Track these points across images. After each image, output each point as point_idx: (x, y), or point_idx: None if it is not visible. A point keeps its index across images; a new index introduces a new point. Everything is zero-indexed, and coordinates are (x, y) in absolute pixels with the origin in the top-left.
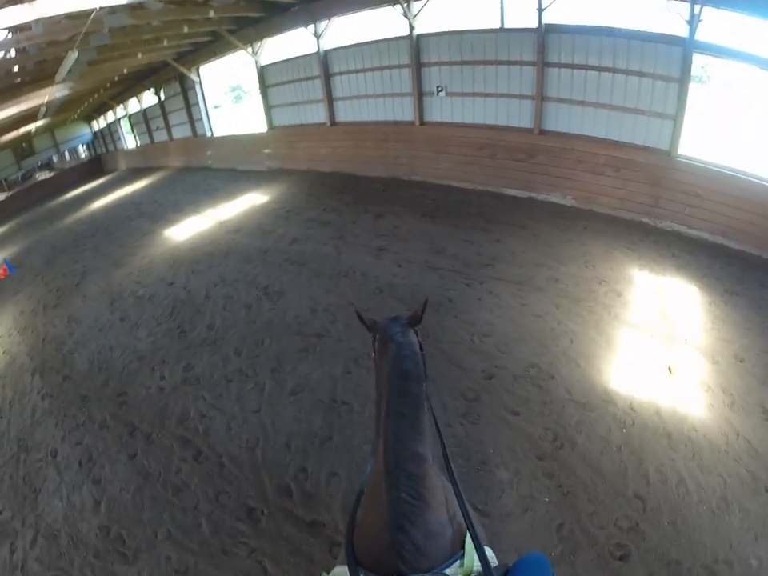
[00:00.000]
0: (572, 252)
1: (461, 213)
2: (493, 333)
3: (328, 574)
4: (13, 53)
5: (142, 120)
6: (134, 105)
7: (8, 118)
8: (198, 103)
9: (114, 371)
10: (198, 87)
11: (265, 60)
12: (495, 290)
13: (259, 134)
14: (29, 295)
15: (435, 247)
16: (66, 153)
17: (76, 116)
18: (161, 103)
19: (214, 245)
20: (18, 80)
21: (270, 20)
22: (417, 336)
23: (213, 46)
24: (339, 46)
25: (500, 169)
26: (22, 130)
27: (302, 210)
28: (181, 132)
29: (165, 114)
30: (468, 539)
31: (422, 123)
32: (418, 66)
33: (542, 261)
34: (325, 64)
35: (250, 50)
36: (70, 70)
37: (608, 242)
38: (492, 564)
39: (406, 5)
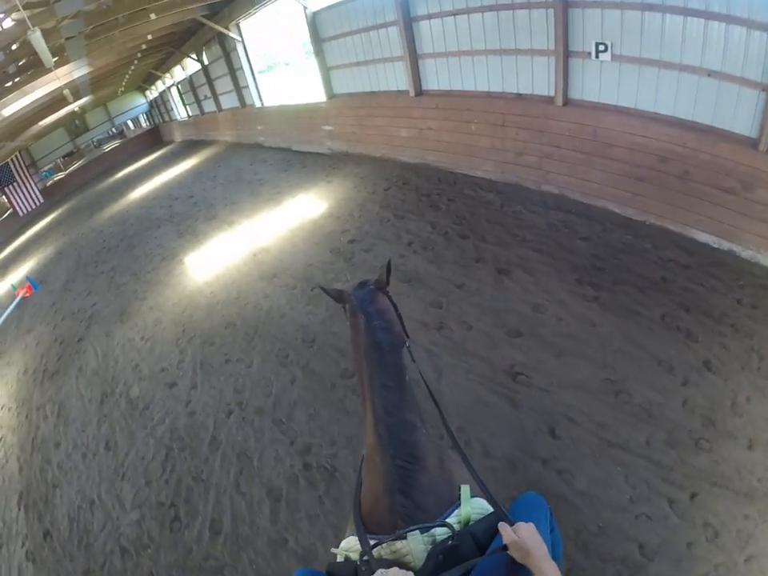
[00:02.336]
0: None
1: (636, 278)
2: None
3: (337, 549)
4: None
5: (189, 89)
6: (180, 73)
7: (25, 108)
8: (242, 67)
9: (95, 559)
10: (240, 48)
11: (315, 4)
12: (713, 518)
13: (317, 104)
14: (38, 339)
15: (610, 377)
16: (131, 123)
17: (122, 89)
18: (204, 69)
19: (239, 304)
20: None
21: None
22: (389, 297)
23: None
24: None
25: (692, 198)
26: (63, 111)
27: (373, 239)
28: (229, 101)
29: (210, 82)
30: (463, 490)
31: (566, 103)
32: (564, 6)
33: None
34: (404, 2)
35: None
36: (62, 50)
37: None
38: (487, 510)
39: None
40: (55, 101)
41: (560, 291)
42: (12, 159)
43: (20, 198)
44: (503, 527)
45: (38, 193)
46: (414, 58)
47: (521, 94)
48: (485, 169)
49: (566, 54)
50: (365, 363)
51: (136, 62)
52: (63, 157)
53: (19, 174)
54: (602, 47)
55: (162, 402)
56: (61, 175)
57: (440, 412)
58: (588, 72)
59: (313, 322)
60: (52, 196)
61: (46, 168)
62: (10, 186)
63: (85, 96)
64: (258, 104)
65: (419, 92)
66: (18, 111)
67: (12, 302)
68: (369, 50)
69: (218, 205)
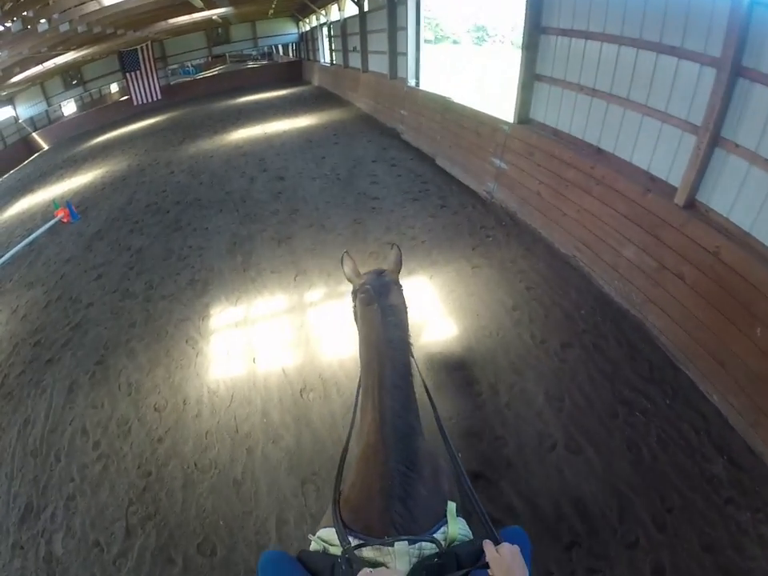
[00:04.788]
0: None
1: None
2: None
3: (314, 536)
4: None
5: (339, 34)
6: (335, 13)
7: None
8: (406, 28)
9: None
10: (412, 2)
11: None
12: None
13: (495, 121)
14: (27, 310)
15: None
16: (281, 49)
17: (272, 11)
18: (361, 16)
19: (235, 509)
20: None
21: None
22: (401, 291)
23: None
24: None
25: None
26: (197, 16)
27: (513, 489)
28: (377, 64)
29: (363, 33)
30: (450, 507)
31: None
32: None
33: None
34: (742, 37)
35: None
36: None
37: None
38: (468, 532)
39: None
40: (180, 2)
41: None
42: (142, 48)
43: (139, 87)
44: (488, 544)
45: (157, 88)
46: (714, 137)
47: None
48: (730, 399)
49: None
50: (377, 359)
51: None
52: (211, 57)
53: (145, 64)
54: None
55: None
56: (188, 79)
57: (438, 421)
58: None
59: None
60: (171, 96)
61: (194, 63)
62: (133, 73)
63: (222, 6)
64: (411, 81)
65: (690, 202)
66: (124, 3)
67: (48, 223)
68: (624, 80)
69: (302, 215)
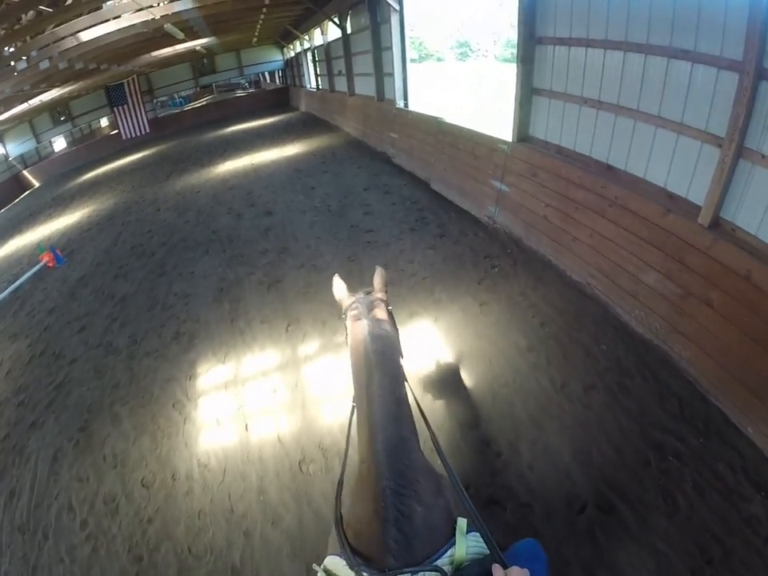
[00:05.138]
0: None
1: None
2: None
3: (320, 566)
4: None
5: (324, 58)
6: (318, 37)
7: (112, 35)
8: (391, 48)
9: None
10: (395, 20)
11: None
12: None
13: (493, 141)
14: (11, 365)
15: None
16: (267, 76)
17: (255, 39)
18: (345, 38)
19: None
20: None
21: None
22: (390, 310)
23: None
24: None
25: None
26: (180, 47)
27: None
28: (364, 86)
29: (348, 56)
30: (458, 527)
31: None
32: None
33: None
34: (763, 36)
35: None
36: None
37: None
38: (483, 552)
39: None
40: (161, 35)
41: None
42: (128, 82)
43: (127, 121)
44: (496, 569)
45: (146, 121)
46: (737, 149)
47: None
48: (765, 430)
49: None
50: (366, 371)
51: (265, 10)
52: (199, 88)
53: (132, 98)
54: None
55: None
56: (176, 110)
57: (432, 434)
58: None
59: None
60: (159, 129)
61: (182, 95)
62: (121, 107)
63: (204, 37)
64: (399, 102)
65: (715, 221)
66: (102, 38)
67: (33, 268)
68: (632, 90)
69: (291, 254)
